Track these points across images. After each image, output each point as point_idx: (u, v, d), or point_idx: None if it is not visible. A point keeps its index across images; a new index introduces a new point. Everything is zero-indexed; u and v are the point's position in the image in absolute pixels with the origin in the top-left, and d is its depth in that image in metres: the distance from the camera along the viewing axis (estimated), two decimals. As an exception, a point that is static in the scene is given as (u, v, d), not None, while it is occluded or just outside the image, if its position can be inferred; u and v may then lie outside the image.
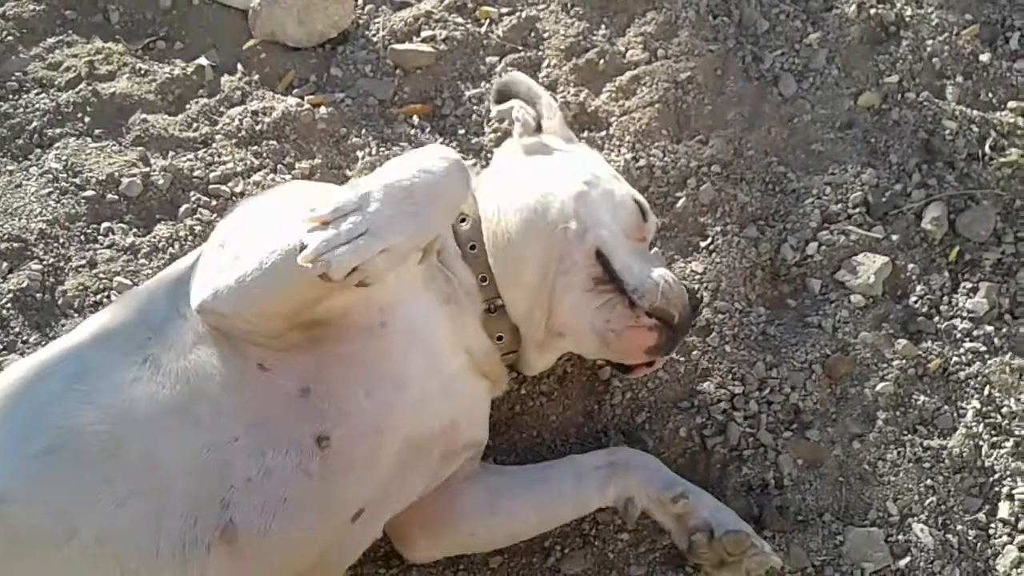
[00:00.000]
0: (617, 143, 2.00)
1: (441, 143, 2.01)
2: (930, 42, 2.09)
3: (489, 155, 1.99)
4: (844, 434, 1.67)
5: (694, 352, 1.75)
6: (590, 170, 1.60)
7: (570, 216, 1.49)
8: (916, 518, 1.60)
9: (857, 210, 1.89)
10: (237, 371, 1.31)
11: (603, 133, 2.02)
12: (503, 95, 1.76)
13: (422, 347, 1.41)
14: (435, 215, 1.27)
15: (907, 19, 2.12)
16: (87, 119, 2.03)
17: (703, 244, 1.87)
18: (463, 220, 1.52)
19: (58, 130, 2.02)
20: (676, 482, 1.55)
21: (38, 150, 2.00)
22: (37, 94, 2.08)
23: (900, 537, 1.58)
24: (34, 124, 2.02)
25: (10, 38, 2.13)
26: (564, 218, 1.49)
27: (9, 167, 1.97)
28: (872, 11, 2.12)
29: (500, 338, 1.52)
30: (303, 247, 1.15)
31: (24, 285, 1.80)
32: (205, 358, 1.32)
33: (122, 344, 1.35)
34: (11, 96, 2.06)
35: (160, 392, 1.29)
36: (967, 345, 1.75)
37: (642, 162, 1.96)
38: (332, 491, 1.33)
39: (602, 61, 2.11)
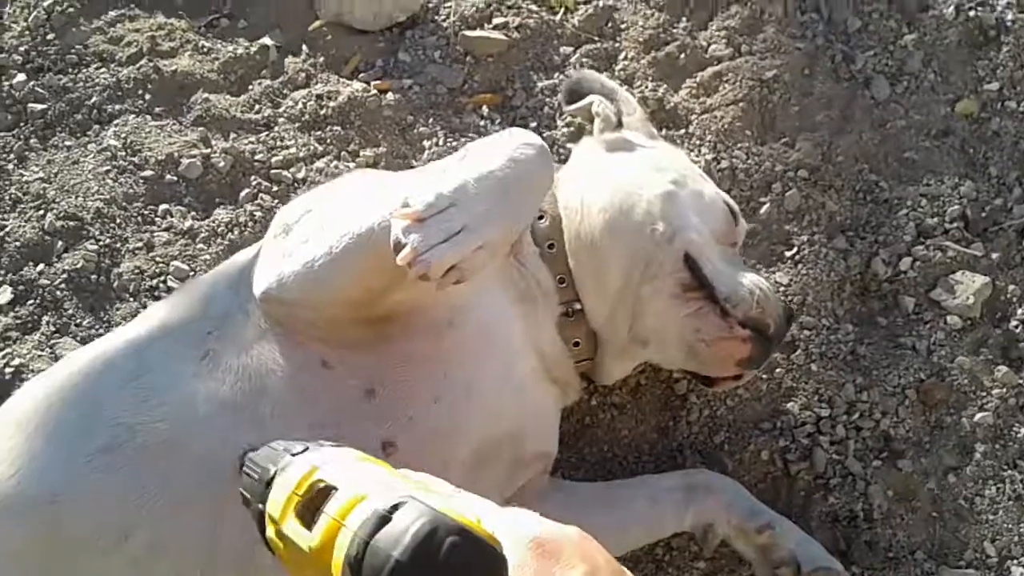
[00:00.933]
0: (697, 142, 1.90)
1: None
2: (1032, 48, 1.96)
3: (562, 150, 1.90)
4: (939, 466, 1.56)
5: (777, 370, 1.64)
6: (677, 169, 1.51)
7: (657, 217, 1.40)
8: (1016, 561, 1.49)
9: (955, 225, 1.77)
10: (299, 369, 1.24)
11: (682, 131, 1.92)
12: (574, 94, 1.66)
13: (493, 348, 1.33)
14: (527, 207, 1.21)
15: (1008, 23, 2.00)
16: (147, 96, 1.97)
17: (788, 254, 1.76)
18: (540, 217, 1.44)
19: (117, 106, 1.96)
20: (761, 511, 1.46)
21: (96, 126, 1.94)
22: (97, 68, 2.01)
23: (998, 581, 1.48)
24: (93, 99, 1.96)
25: (72, 10, 2.07)
26: (651, 219, 1.40)
27: (67, 142, 1.91)
28: (971, 13, 2.00)
29: (576, 344, 1.43)
30: (400, 244, 1.08)
31: (79, 266, 1.74)
32: (267, 354, 1.25)
33: (182, 338, 1.28)
34: (71, 70, 2.00)
35: (220, 389, 1.22)
36: (1072, 375, 1.63)
37: (724, 164, 1.86)
38: None
39: (683, 55, 2.01)
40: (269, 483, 0.81)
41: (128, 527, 1.16)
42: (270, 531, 0.81)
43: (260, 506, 0.82)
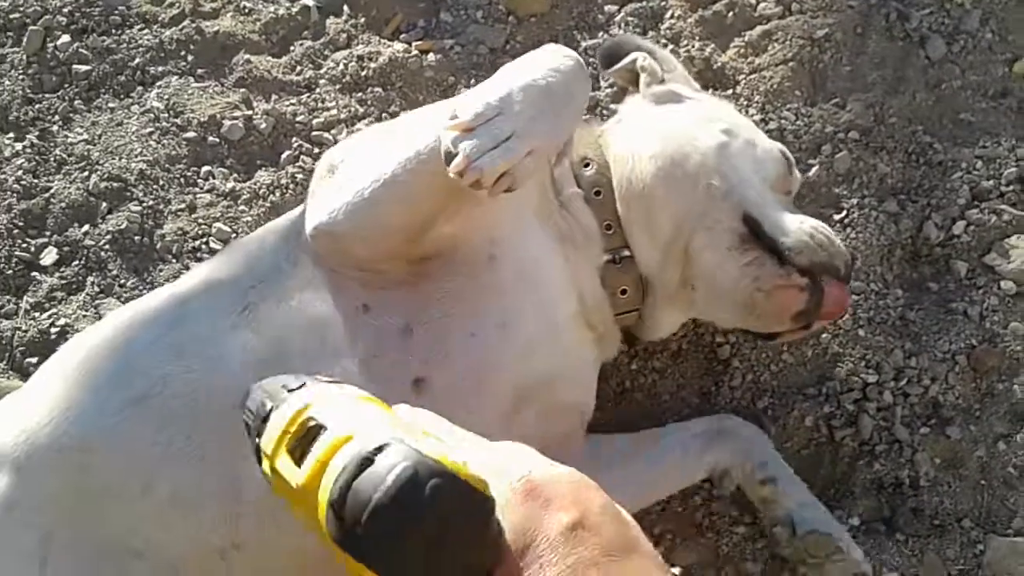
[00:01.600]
0: (745, 103, 1.85)
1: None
2: (1096, 5, 1.89)
3: (605, 111, 1.87)
4: (988, 434, 1.52)
5: (824, 335, 1.61)
6: (727, 119, 1.49)
7: (712, 171, 1.38)
8: (1066, 530, 1.46)
9: (1011, 188, 1.71)
10: (339, 314, 1.25)
11: (730, 92, 1.88)
12: (613, 57, 1.63)
13: (532, 285, 1.32)
14: (571, 113, 1.24)
15: (1071, -21, 1.92)
16: (190, 57, 1.97)
17: (837, 217, 1.72)
18: (587, 164, 1.43)
19: (160, 68, 1.96)
20: (771, 463, 1.45)
21: (140, 88, 1.95)
22: (140, 30, 2.01)
23: (1048, 550, 1.44)
24: (136, 61, 1.97)
25: (115, -29, 2.07)
26: (706, 172, 1.38)
27: (111, 104, 1.92)
28: (1032, -30, 1.93)
29: (624, 291, 1.42)
30: (450, 154, 1.10)
31: (123, 227, 1.75)
32: (307, 303, 1.25)
33: (225, 292, 1.28)
34: (114, 31, 2.00)
35: (257, 341, 1.23)
36: None
37: (772, 125, 1.81)
38: None
39: (731, 13, 1.96)
40: (266, 418, 0.81)
41: (150, 478, 1.18)
42: (265, 465, 0.81)
43: (256, 440, 0.82)
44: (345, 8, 2.05)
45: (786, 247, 1.36)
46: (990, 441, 1.52)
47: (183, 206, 1.79)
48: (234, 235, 1.76)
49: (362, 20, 2.03)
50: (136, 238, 1.76)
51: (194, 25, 1.99)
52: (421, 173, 1.19)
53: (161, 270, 1.73)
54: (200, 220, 1.77)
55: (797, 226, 1.38)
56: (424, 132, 1.20)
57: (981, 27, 1.90)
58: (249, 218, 1.77)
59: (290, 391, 0.81)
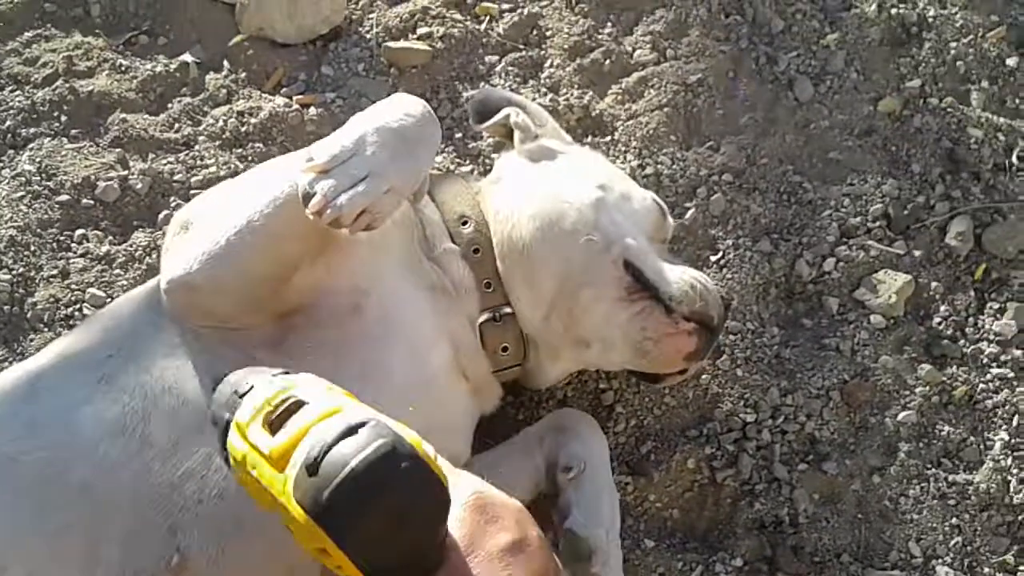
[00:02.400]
0: (623, 149, 1.89)
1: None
2: (954, 44, 1.98)
3: (488, 160, 1.89)
4: (863, 467, 1.56)
5: (704, 376, 1.64)
6: (600, 173, 1.52)
7: (591, 227, 1.40)
8: (940, 560, 1.50)
9: (877, 224, 1.78)
10: (201, 377, 1.22)
11: (608, 138, 1.91)
12: (483, 112, 1.64)
13: (399, 334, 1.32)
14: (426, 154, 1.28)
15: (930, 20, 2.01)
16: (63, 118, 1.92)
17: (713, 259, 1.76)
18: (464, 223, 1.44)
19: (33, 129, 1.91)
20: (579, 459, 1.42)
21: (11, 151, 1.89)
22: (12, 91, 1.96)
23: (923, 581, 1.48)
24: (8, 123, 1.91)
25: (-15, 32, 2.02)
26: (584, 228, 1.40)
27: (-21, 169, 1.86)
28: (893, 11, 2.01)
29: (505, 348, 1.43)
30: (308, 196, 1.12)
31: (-9, 297, 1.69)
32: (171, 369, 1.23)
33: (80, 363, 1.25)
34: (-16, 93, 1.95)
35: (110, 410, 1.20)
36: (994, 371, 1.64)
37: (649, 170, 1.85)
38: None
39: (608, 61, 2.00)
40: (244, 394, 0.86)
41: (5, 559, 1.14)
42: (233, 437, 0.85)
43: (227, 415, 0.87)
44: (225, 63, 2.03)
45: (668, 296, 1.39)
46: (865, 475, 1.56)
47: (55, 272, 1.74)
48: (108, 299, 1.71)
49: (243, 75, 2.01)
50: (5, 307, 1.70)
51: (68, 85, 1.95)
52: (278, 218, 1.19)
53: (32, 340, 1.67)
54: (73, 286, 1.72)
55: (679, 276, 1.42)
56: (278, 179, 1.21)
57: (846, 67, 1.97)
58: (124, 282, 1.72)
59: (274, 375, 0.88)
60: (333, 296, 1.28)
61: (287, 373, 0.89)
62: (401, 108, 1.26)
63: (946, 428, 1.60)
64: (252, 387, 0.87)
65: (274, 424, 0.81)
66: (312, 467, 0.74)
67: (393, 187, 1.17)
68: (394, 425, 0.78)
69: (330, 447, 0.74)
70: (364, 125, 1.21)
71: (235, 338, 1.24)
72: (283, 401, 0.82)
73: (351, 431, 0.75)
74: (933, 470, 1.57)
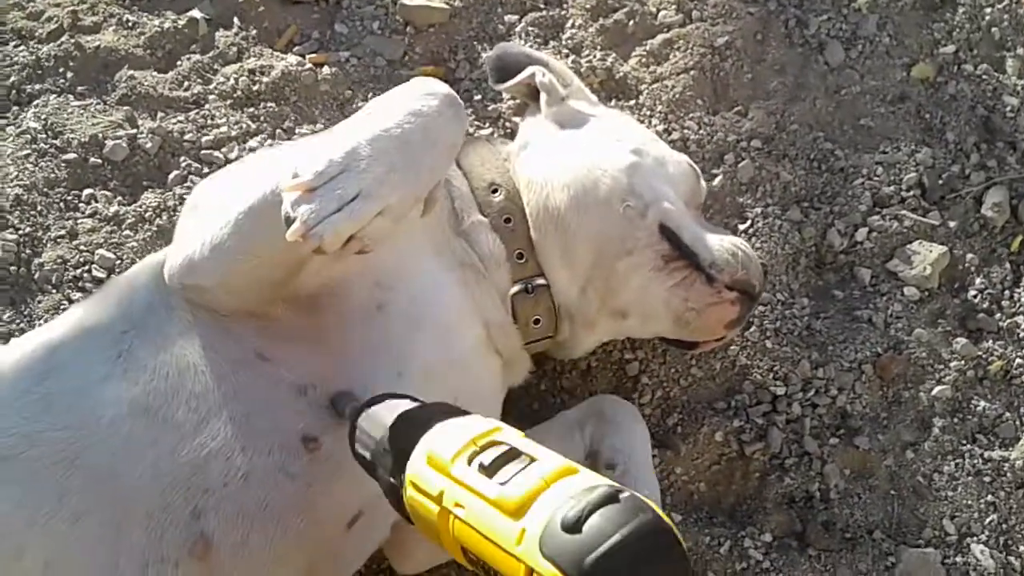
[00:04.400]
0: (648, 113, 1.83)
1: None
2: (989, 10, 1.92)
3: (508, 123, 1.83)
4: (896, 442, 1.52)
5: (732, 348, 1.59)
6: (633, 137, 1.45)
7: (626, 192, 1.35)
8: (975, 538, 1.46)
9: (911, 193, 1.72)
10: (228, 360, 1.16)
11: (632, 102, 1.85)
12: (502, 70, 1.56)
13: (428, 325, 1.26)
14: (433, 162, 1.10)
15: (964, -17, 1.95)
16: (69, 74, 1.86)
17: (742, 227, 1.71)
18: (495, 191, 1.38)
19: (38, 86, 1.85)
20: (623, 454, 1.38)
21: (16, 108, 1.83)
22: (16, 46, 1.89)
23: (958, 559, 1.44)
24: (12, 79, 1.85)
25: (-13, -16, 1.95)
26: (619, 195, 1.34)
27: (-17, 126, 1.80)
28: (926, -26, 1.95)
29: (536, 321, 1.37)
30: (289, 220, 0.99)
31: (-3, 257, 1.64)
32: (191, 349, 1.17)
33: (97, 338, 1.19)
34: (-13, 48, 1.88)
35: (131, 391, 1.14)
36: (1031, 345, 1.59)
37: (675, 135, 1.79)
38: (320, 495, 1.18)
39: (631, 22, 1.93)
40: (424, 425, 0.90)
41: (22, 544, 1.09)
42: (422, 468, 0.87)
43: (404, 447, 0.90)
44: (236, 20, 1.96)
45: (709, 263, 1.34)
46: (898, 450, 1.52)
47: (63, 232, 1.68)
48: (119, 262, 1.66)
49: (253, 32, 1.95)
50: (12, 268, 1.64)
51: (73, 40, 1.89)
52: (267, 229, 1.07)
53: (40, 302, 1.62)
54: (82, 247, 1.67)
55: (718, 243, 1.37)
56: (272, 179, 1.08)
57: (878, 32, 1.91)
58: (134, 243, 1.67)
59: (462, 412, 0.93)
60: (357, 291, 1.22)
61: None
62: (412, 104, 1.10)
63: (981, 403, 1.55)
64: (435, 421, 0.90)
65: (488, 468, 0.82)
66: (572, 527, 0.75)
67: (388, 207, 1.02)
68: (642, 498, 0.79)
69: (593, 510, 0.75)
70: (361, 132, 1.06)
71: (266, 326, 1.19)
72: (490, 443, 0.84)
73: (613, 498, 0.76)
74: (968, 446, 1.52)
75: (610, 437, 1.40)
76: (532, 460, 0.82)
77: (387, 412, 0.97)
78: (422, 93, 1.12)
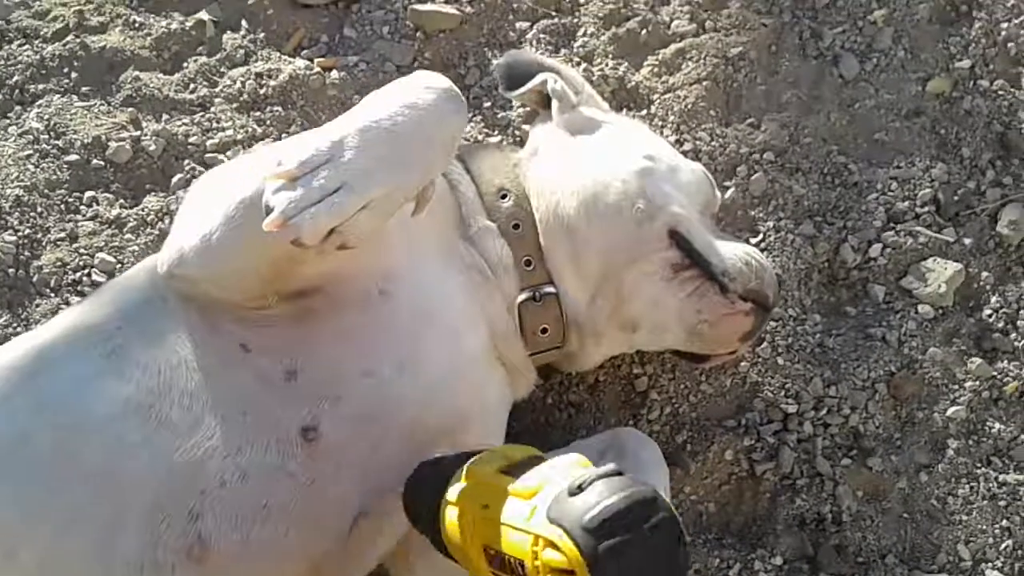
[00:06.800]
0: (660, 123, 1.80)
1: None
2: (1005, 25, 1.89)
3: (518, 131, 1.80)
4: (910, 464, 1.49)
5: (742, 364, 1.56)
6: (646, 144, 1.43)
7: (637, 195, 1.32)
8: (990, 564, 1.43)
9: (926, 209, 1.69)
10: (216, 356, 1.14)
11: (644, 112, 1.82)
12: (513, 77, 1.53)
13: (432, 320, 1.23)
14: (426, 158, 1.07)
15: (980, -2, 1.93)
16: (74, 75, 1.83)
17: (754, 241, 1.68)
18: (504, 196, 1.35)
19: (41, 86, 1.82)
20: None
21: (18, 107, 1.81)
22: (20, 45, 1.87)
23: (972, 585, 1.41)
24: (15, 78, 1.83)
25: (-8, -18, 1.93)
26: (629, 198, 1.32)
27: (-15, 125, 1.78)
28: (942, -12, 1.92)
29: (544, 330, 1.34)
30: (269, 209, 0.97)
31: (-5, 259, 1.62)
32: (181, 344, 1.15)
33: (88, 336, 1.17)
34: (-9, 46, 1.86)
35: (124, 388, 1.12)
36: (1047, 367, 1.56)
37: (687, 146, 1.76)
38: (321, 493, 1.15)
39: (644, 31, 1.91)
40: (463, 458, 1.01)
41: (15, 543, 1.07)
42: (460, 485, 0.97)
43: (447, 475, 1.01)
44: (243, 23, 1.94)
45: (722, 271, 1.31)
46: (912, 472, 1.49)
47: (63, 235, 1.66)
48: (119, 266, 1.63)
49: (261, 35, 1.92)
50: (10, 270, 1.62)
51: (79, 40, 1.86)
52: (253, 221, 1.04)
53: (38, 305, 1.59)
54: (82, 250, 1.64)
55: (731, 251, 1.34)
56: (258, 169, 1.06)
57: (894, 45, 1.88)
58: (135, 247, 1.65)
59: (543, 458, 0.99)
60: (356, 280, 1.19)
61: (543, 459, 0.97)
62: (408, 97, 1.07)
63: (997, 425, 1.53)
64: (470, 455, 1.01)
65: (513, 471, 0.92)
66: (575, 492, 0.82)
67: (373, 201, 0.99)
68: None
69: (597, 479, 0.82)
70: (351, 123, 1.03)
71: (247, 315, 1.16)
72: (519, 455, 0.97)
73: (618, 473, 0.84)
74: (983, 469, 1.50)
75: (630, 473, 1.36)
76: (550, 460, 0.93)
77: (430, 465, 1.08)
78: (420, 86, 1.09)
